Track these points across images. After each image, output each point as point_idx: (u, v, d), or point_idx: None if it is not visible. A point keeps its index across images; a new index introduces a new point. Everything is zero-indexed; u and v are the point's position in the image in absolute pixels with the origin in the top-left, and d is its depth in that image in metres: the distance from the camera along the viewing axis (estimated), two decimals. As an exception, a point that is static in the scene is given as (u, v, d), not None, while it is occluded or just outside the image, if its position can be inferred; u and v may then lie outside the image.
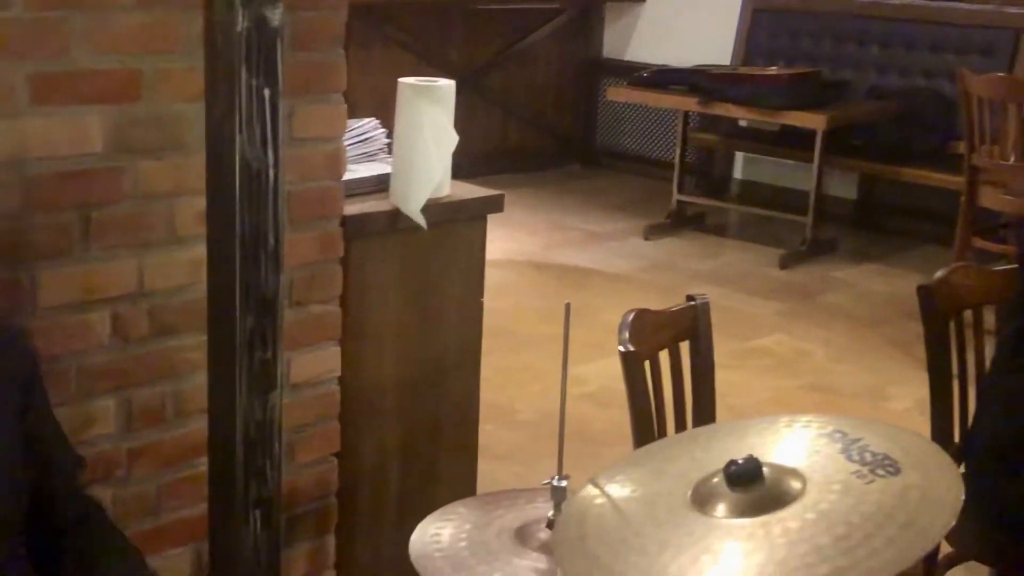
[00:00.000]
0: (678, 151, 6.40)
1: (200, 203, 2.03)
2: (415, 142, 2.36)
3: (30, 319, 1.88)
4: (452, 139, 2.40)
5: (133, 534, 2.03)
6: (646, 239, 6.19)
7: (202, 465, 2.14)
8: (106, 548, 1.62)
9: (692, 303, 2.26)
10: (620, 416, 4.15)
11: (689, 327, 2.25)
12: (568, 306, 1.51)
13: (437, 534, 1.56)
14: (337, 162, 2.24)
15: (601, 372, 4.53)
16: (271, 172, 1.80)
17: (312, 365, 2.29)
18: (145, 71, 1.94)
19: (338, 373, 2.34)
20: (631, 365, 2.01)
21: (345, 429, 2.38)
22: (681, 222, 6.38)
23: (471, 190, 2.54)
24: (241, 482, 1.88)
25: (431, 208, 2.38)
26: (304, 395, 2.28)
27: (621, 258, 5.92)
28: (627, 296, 5.41)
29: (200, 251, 2.05)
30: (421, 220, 2.35)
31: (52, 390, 1.88)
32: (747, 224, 6.63)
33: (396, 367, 2.45)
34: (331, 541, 2.42)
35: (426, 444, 2.55)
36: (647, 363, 2.11)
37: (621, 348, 2.02)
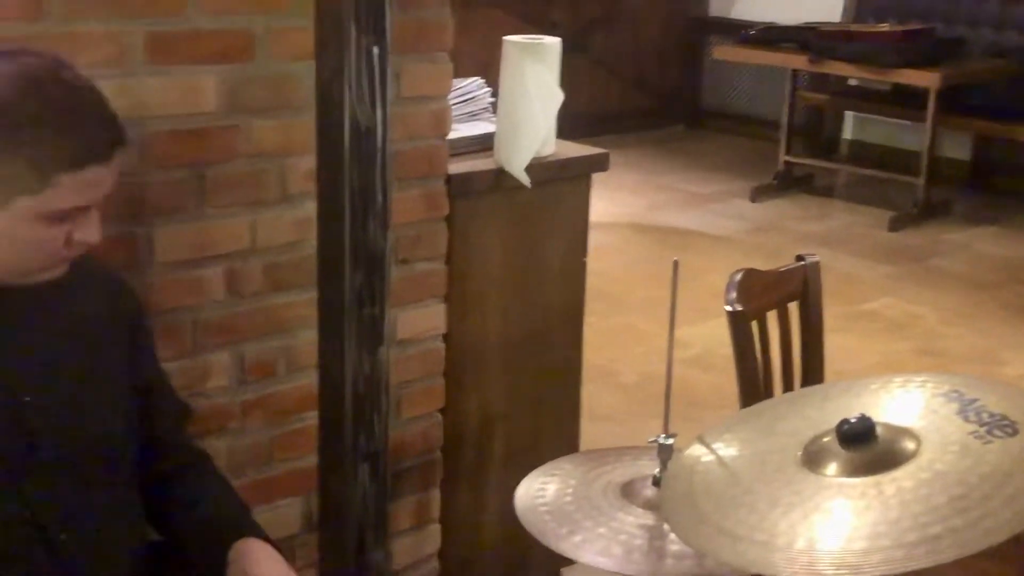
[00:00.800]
0: (786, 110, 6.29)
1: (309, 162, 2.06)
2: (520, 100, 2.36)
3: (147, 274, 1.93)
4: (557, 97, 2.40)
5: (246, 484, 2.10)
6: (752, 201, 6.11)
7: (312, 418, 2.19)
8: (210, 496, 1.66)
9: (802, 263, 2.23)
10: (723, 380, 4.13)
11: (798, 288, 2.22)
12: (676, 263, 1.50)
13: (542, 489, 1.57)
14: (442, 121, 2.25)
15: (705, 336, 4.50)
16: (379, 130, 1.82)
17: (417, 322, 2.32)
18: (257, 31, 1.97)
19: (443, 330, 2.36)
20: (738, 325, 1.99)
21: (449, 386, 2.41)
22: (788, 183, 6.27)
23: (576, 149, 2.53)
24: (350, 435, 1.92)
25: (535, 167, 2.38)
26: (409, 352, 2.31)
27: (726, 220, 5.85)
28: (732, 258, 5.35)
29: (309, 209, 2.09)
30: (525, 179, 2.35)
31: (169, 344, 1.95)
32: (856, 185, 6.48)
33: (499, 326, 2.46)
34: (436, 495, 2.45)
35: (529, 403, 2.56)
36: (755, 323, 2.09)
37: (728, 308, 2.01)
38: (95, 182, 1.40)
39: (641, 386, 4.03)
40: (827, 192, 6.43)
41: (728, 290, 2.06)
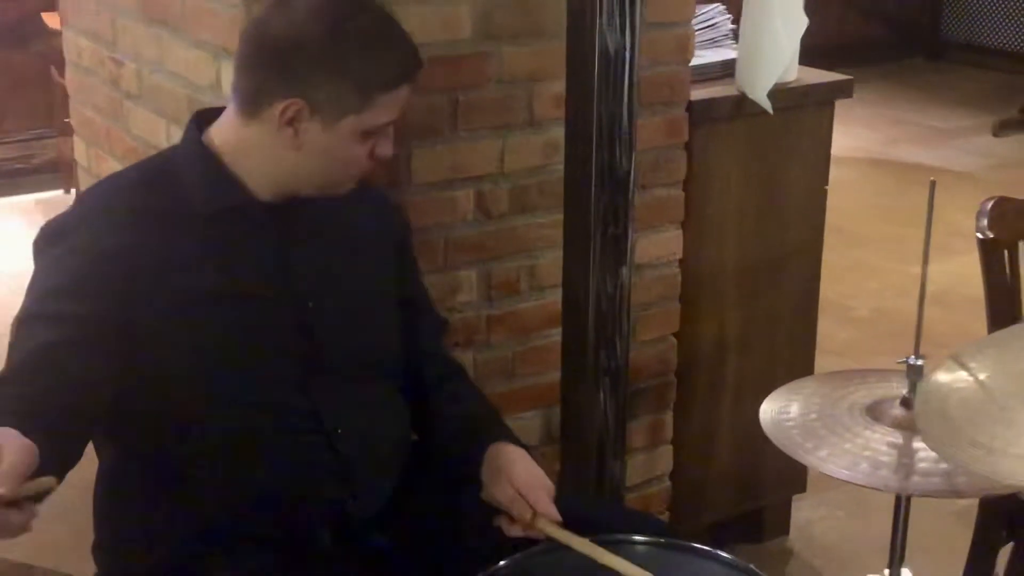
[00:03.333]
0: (1037, 39, 5.94)
1: (556, 87, 2.12)
2: (763, 25, 2.34)
3: (405, 193, 2.04)
4: (802, 21, 2.37)
5: (491, 395, 2.19)
6: (995, 136, 5.82)
7: (553, 336, 2.28)
8: (468, 401, 1.76)
9: (1058, 191, 2.14)
10: (962, 319, 4.02)
11: (1055, 217, 2.13)
12: (933, 183, 1.48)
13: (786, 407, 1.60)
14: (685, 47, 2.27)
15: (946, 273, 4.34)
16: (627, 55, 1.86)
17: (655, 247, 2.36)
18: (509, -41, 2.03)
19: (679, 256, 2.40)
20: (989, 253, 1.94)
21: (684, 311, 2.45)
22: (1036, 118, 5.94)
23: (819, 75, 2.50)
24: (592, 351, 2.00)
25: (777, 93, 2.36)
26: (646, 276, 2.36)
27: (967, 155, 5.61)
28: (974, 195, 5.07)
29: (555, 134, 2.16)
30: (767, 105, 2.34)
31: (423, 259, 2.05)
32: (1113, 120, 6.08)
33: (736, 253, 2.47)
34: (668, 417, 2.50)
35: (764, 331, 2.57)
36: (1006, 253, 2.03)
37: (979, 235, 1.96)
38: (403, 100, 1.55)
39: (874, 322, 3.95)
40: (1079, 127, 6.06)
41: (979, 217, 2.01)
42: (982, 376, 1.30)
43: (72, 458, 1.41)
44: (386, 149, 1.57)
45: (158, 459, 1.55)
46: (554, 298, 2.26)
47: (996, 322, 1.97)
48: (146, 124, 2.27)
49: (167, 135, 2.20)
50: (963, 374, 1.32)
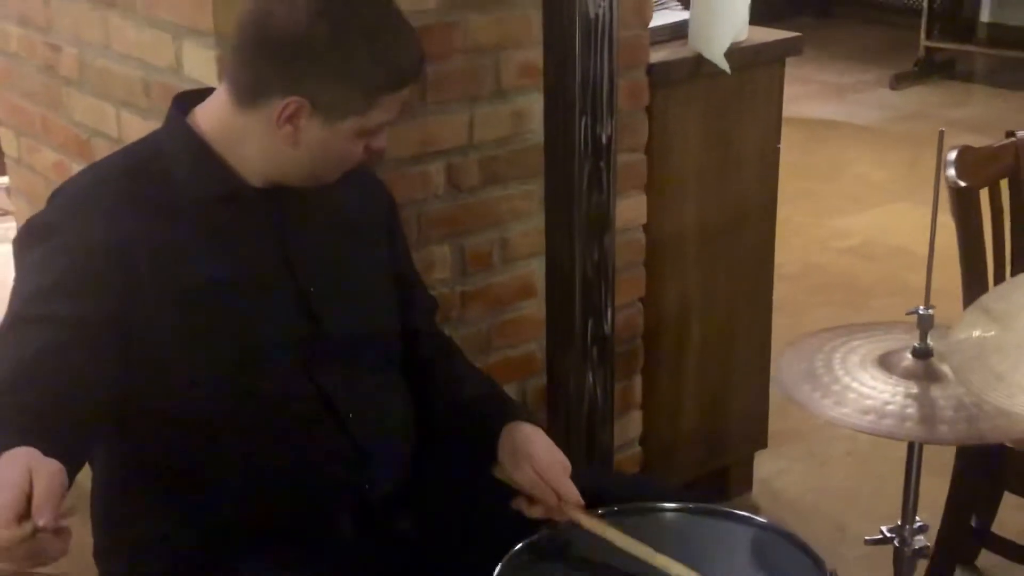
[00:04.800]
0: (927, -7, 6.10)
1: (522, 56, 2.09)
2: (716, -14, 2.34)
3: (379, 170, 1.98)
4: (753, -19, 2.38)
5: (470, 371, 2.17)
6: (893, 89, 5.97)
7: (526, 308, 2.26)
8: (471, 379, 1.73)
9: (1013, 139, 2.20)
10: (887, 269, 4.11)
11: (1011, 164, 2.18)
12: (942, 133, 1.50)
13: (796, 364, 1.60)
14: (644, 10, 2.26)
15: (864, 225, 4.46)
16: (608, 18, 1.84)
17: (620, 213, 2.32)
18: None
19: (644, 221, 2.39)
20: (963, 201, 1.98)
21: (649, 275, 2.45)
22: (929, 69, 6.12)
23: (769, 33, 2.52)
24: (580, 319, 1.98)
25: (732, 53, 2.37)
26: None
27: (868, 109, 5.74)
28: (879, 148, 5.26)
29: (522, 103, 2.13)
30: (725, 64, 2.35)
31: (399, 237, 2.01)
32: (1001, 70, 6.29)
33: (697, 215, 2.48)
34: (638, 382, 2.50)
35: (724, 291, 2.59)
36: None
37: (952, 184, 1.99)
38: (405, 99, 1.50)
39: (804, 276, 4.02)
40: (969, 78, 6.26)
41: (947, 167, 2.04)
42: (1009, 320, 1.32)
43: (79, 468, 1.34)
44: (381, 142, 1.52)
45: (167, 460, 1.48)
46: (527, 270, 2.24)
47: (971, 267, 2.01)
48: (91, 110, 2.17)
49: (117, 120, 2.11)
50: (988, 319, 1.34)
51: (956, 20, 6.87)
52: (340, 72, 1.42)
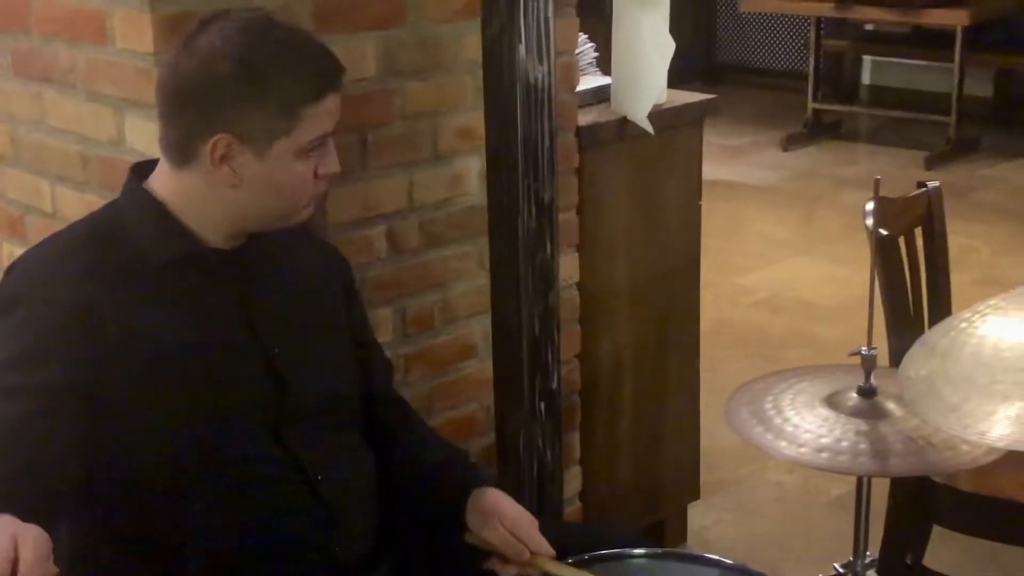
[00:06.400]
0: (812, 58, 6.37)
1: (458, 120, 2.14)
2: (636, 50, 2.43)
3: (323, 235, 2.00)
4: (670, 45, 2.47)
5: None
6: (784, 150, 6.20)
7: (467, 368, 2.28)
8: (433, 444, 1.75)
9: (925, 190, 2.32)
10: (795, 321, 4.24)
11: (923, 213, 2.30)
12: (877, 180, 1.58)
13: (746, 410, 1.66)
14: (572, 74, 2.33)
15: (769, 280, 4.60)
16: (548, 82, 1.90)
17: (555, 272, 2.39)
18: (409, -3, 2.04)
19: (577, 279, 2.45)
20: (885, 249, 2.08)
21: (584, 332, 2.50)
22: (818, 130, 6.36)
23: (686, 95, 2.61)
24: (528, 376, 2.01)
25: (654, 115, 2.46)
26: (547, 301, 2.39)
27: (763, 170, 5.94)
28: (777, 206, 5.45)
29: (459, 166, 2.17)
30: (648, 126, 2.43)
31: (344, 301, 2.02)
32: (883, 129, 6.58)
33: (627, 271, 2.55)
34: (576, 438, 2.54)
35: (654, 346, 2.65)
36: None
37: (874, 232, 2.09)
38: (332, 110, 1.50)
39: (718, 332, 4.11)
40: (855, 137, 6.53)
41: (866, 216, 2.14)
42: (959, 354, 1.40)
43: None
44: (330, 166, 1.53)
45: (135, 526, 1.47)
46: (467, 329, 2.27)
47: (895, 314, 2.10)
48: (25, 187, 2.14)
49: (51, 196, 2.09)
50: (937, 354, 1.42)
51: (840, 83, 7.20)
52: (253, 98, 1.43)
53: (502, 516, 1.56)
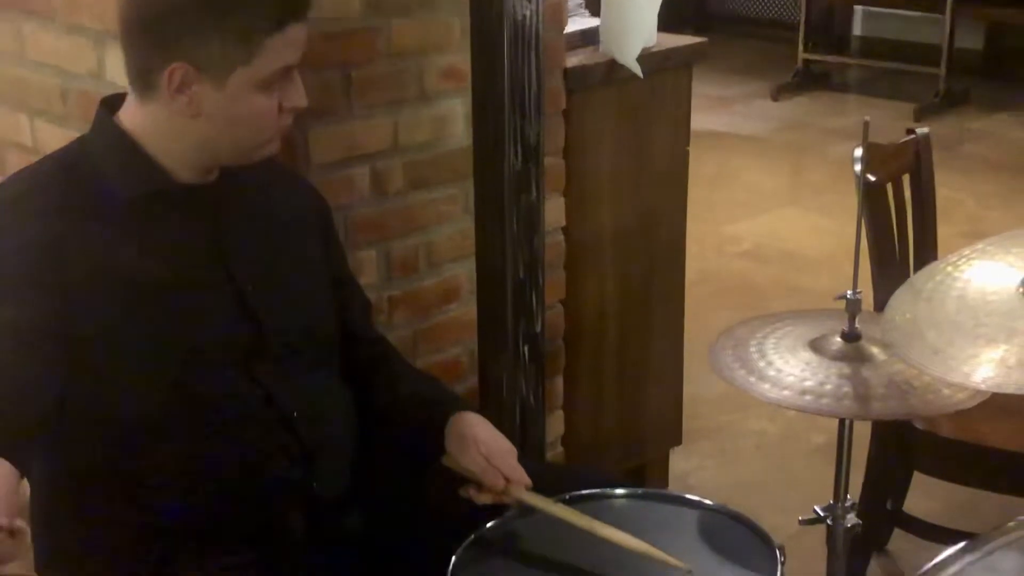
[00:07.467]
0: (803, 8, 6.32)
1: (445, 60, 2.11)
2: (626, -7, 2.40)
3: (306, 175, 1.98)
4: (661, -13, 2.44)
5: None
6: (774, 100, 6.17)
7: (451, 311, 2.27)
8: (410, 376, 1.74)
9: (913, 136, 2.30)
10: (780, 271, 4.23)
11: (911, 160, 2.29)
12: (867, 122, 1.57)
13: (731, 353, 1.65)
14: (560, 14, 2.30)
15: (755, 230, 4.59)
16: (535, 21, 1.87)
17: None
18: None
19: (563, 223, 2.43)
20: (872, 196, 2.06)
21: (569, 277, 2.48)
22: (808, 81, 6.33)
23: (676, 39, 2.58)
24: (512, 320, 2.00)
25: (643, 58, 2.43)
26: (532, 245, 2.37)
27: (752, 120, 5.92)
28: (765, 157, 5.43)
29: (445, 107, 2.15)
30: (637, 69, 2.41)
31: (327, 242, 2.00)
32: (873, 80, 6.55)
33: (612, 217, 2.53)
34: (559, 383, 2.54)
35: (640, 292, 2.65)
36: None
37: (862, 179, 2.07)
38: (295, 41, 1.45)
39: (703, 282, 4.11)
40: (845, 88, 6.50)
41: (856, 163, 2.13)
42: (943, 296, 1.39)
43: (24, 475, 1.32)
44: (296, 99, 1.48)
45: (109, 464, 1.45)
46: (451, 273, 2.25)
47: (881, 260, 2.10)
48: (4, 121, 2.11)
49: (31, 130, 2.06)
50: (924, 296, 1.41)
51: (830, 33, 7.15)
52: (212, 26, 1.40)
53: (479, 441, 1.56)
